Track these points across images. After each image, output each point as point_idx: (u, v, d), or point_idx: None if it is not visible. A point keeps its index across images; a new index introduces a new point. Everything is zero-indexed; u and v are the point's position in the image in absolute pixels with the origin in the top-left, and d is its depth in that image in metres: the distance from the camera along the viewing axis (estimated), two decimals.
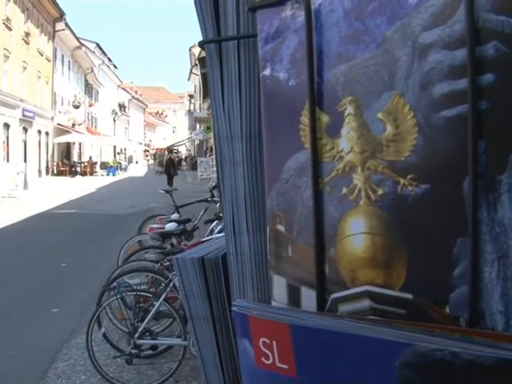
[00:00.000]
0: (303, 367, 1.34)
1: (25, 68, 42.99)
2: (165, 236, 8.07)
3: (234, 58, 1.78)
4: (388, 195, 1.33)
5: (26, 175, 32.78)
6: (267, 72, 1.53)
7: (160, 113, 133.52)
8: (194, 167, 54.29)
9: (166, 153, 54.53)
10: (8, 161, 37.36)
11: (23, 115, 41.74)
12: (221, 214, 9.64)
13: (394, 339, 1.18)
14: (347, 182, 1.39)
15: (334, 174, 1.41)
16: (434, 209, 1.27)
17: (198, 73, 33.40)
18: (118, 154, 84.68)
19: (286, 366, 1.36)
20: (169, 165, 39.47)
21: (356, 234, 1.38)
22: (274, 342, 1.37)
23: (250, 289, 1.81)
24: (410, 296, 1.31)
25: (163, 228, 9.20)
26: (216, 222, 9.89)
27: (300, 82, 1.46)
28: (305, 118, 1.44)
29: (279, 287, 1.55)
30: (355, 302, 1.39)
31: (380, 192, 1.33)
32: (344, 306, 1.41)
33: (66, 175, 50.17)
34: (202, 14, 1.82)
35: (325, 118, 1.41)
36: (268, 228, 1.57)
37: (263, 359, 1.40)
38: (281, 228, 1.53)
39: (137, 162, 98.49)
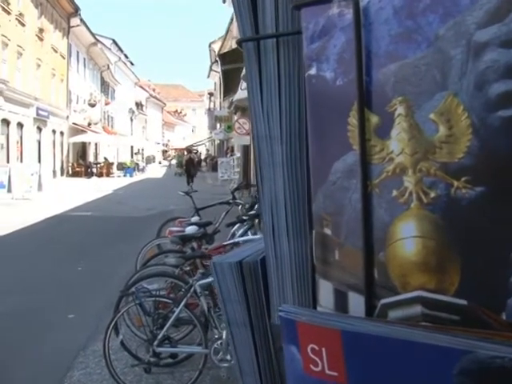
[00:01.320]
0: (354, 375, 1.35)
1: (39, 65, 43.21)
2: (185, 239, 8.05)
3: (273, 56, 1.79)
4: (441, 198, 1.34)
5: (40, 176, 32.95)
6: (313, 71, 1.54)
7: (179, 111, 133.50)
8: (214, 168, 54.32)
9: (186, 153, 54.67)
10: (22, 161, 37.59)
11: (37, 114, 41.96)
12: (244, 217, 9.67)
13: (451, 346, 1.19)
14: (397, 185, 1.41)
15: (383, 176, 1.42)
16: (490, 212, 1.27)
17: (219, 70, 33.38)
18: (136, 154, 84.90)
19: (335, 374, 1.37)
20: (189, 164, 40.21)
21: (407, 238, 1.39)
22: (323, 349, 1.38)
23: (290, 293, 1.83)
24: (464, 302, 1.31)
25: (183, 231, 9.21)
26: (238, 225, 9.89)
27: (348, 81, 1.47)
28: (353, 119, 1.46)
29: (325, 292, 1.57)
30: (406, 308, 1.40)
31: (432, 195, 1.35)
32: (394, 312, 1.42)
33: (81, 176, 50.36)
34: (239, 11, 1.84)
35: (374, 119, 1.43)
36: (314, 231, 1.58)
37: (312, 366, 1.40)
38: (328, 231, 1.54)
39: (160, 163, 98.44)
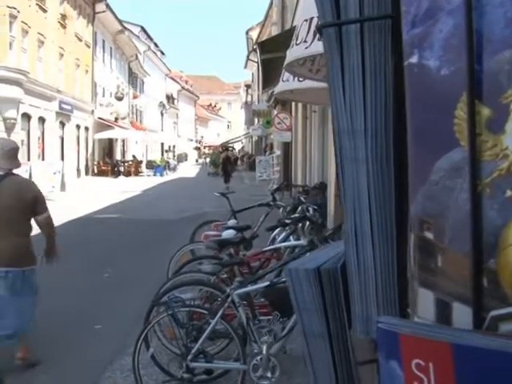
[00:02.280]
0: None
1: (62, 55, 43.47)
2: (222, 245, 8.05)
3: (357, 43, 1.78)
4: None
5: (63, 175, 33.21)
6: (414, 60, 1.52)
7: (213, 105, 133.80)
8: (251, 167, 54.42)
9: (221, 150, 54.83)
10: (43, 159, 37.89)
11: (60, 108, 42.28)
12: (286, 221, 9.65)
13: None
14: None
15: (496, 174, 1.39)
16: None
17: (257, 59, 33.36)
18: (166, 151, 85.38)
19: None
20: (226, 163, 40.55)
21: None
22: (430, 364, 1.34)
23: (374, 303, 1.83)
24: None
25: (220, 235, 9.23)
26: (279, 229, 9.88)
27: (455, 70, 1.44)
28: (460, 112, 1.43)
29: (425, 302, 1.54)
30: None
31: None
32: (506, 325, 1.39)
33: (107, 175, 50.63)
34: None
35: (485, 112, 1.40)
36: (412, 235, 1.57)
37: None
38: (429, 235, 1.53)
39: (196, 161, 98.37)
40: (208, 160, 66.70)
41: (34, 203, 7.13)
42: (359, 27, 1.77)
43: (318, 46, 6.02)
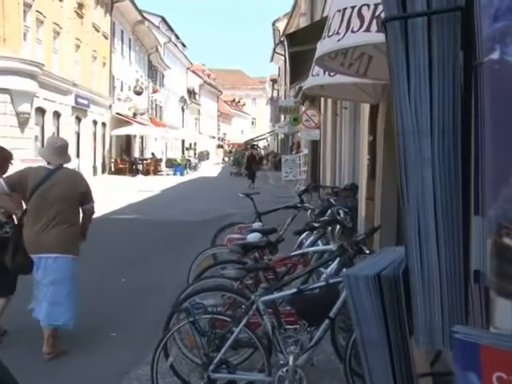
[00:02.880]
0: None
1: (78, 46, 43.77)
2: (247, 248, 8.04)
3: (424, 37, 1.74)
4: None
5: None
6: (496, 56, 1.44)
7: (237, 101, 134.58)
8: (276, 167, 54.66)
9: (244, 148, 55.07)
10: None
11: (76, 102, 42.58)
12: (314, 224, 9.57)
13: None
14: None
15: None
16: None
17: (284, 52, 33.45)
18: (187, 149, 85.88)
19: None
20: (250, 161, 40.85)
21: None
22: None
23: (439, 312, 1.79)
24: None
25: (244, 239, 9.19)
26: (307, 232, 9.82)
27: None
28: None
29: (504, 312, 1.45)
30: None
31: None
32: None
33: (125, 174, 50.96)
34: None
35: None
36: (490, 241, 1.50)
37: None
38: (508, 241, 1.44)
39: (223, 160, 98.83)
40: (231, 158, 66.99)
41: (84, 194, 7.97)
42: (426, 20, 1.73)
43: (350, 39, 5.96)
